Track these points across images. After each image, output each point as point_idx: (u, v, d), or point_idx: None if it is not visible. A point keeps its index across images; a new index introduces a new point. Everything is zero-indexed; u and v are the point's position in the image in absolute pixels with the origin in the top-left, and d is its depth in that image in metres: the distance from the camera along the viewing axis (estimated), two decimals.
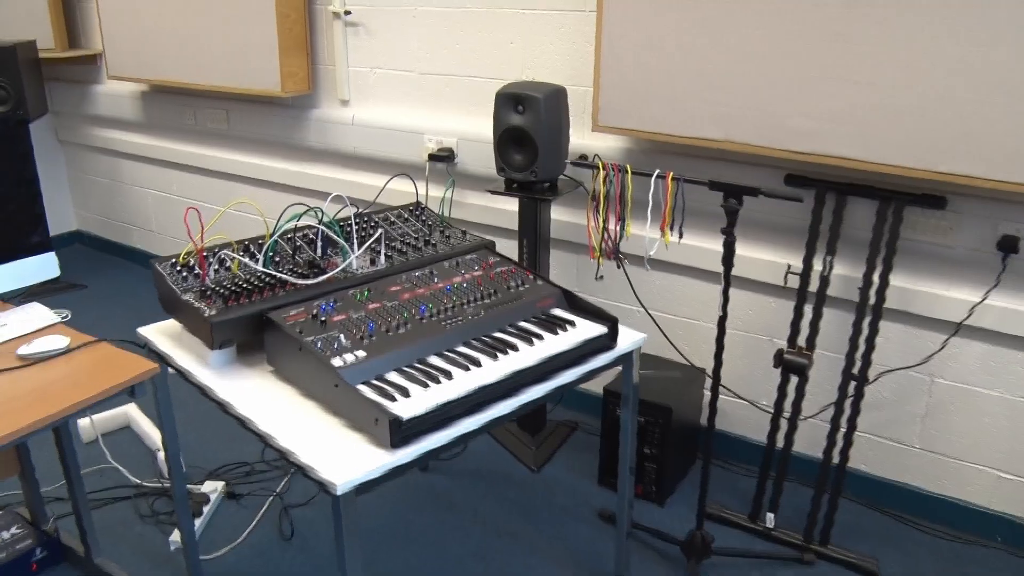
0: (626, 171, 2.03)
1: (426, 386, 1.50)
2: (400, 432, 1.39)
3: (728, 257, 1.91)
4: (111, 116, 4.40)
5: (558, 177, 2.52)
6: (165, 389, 1.88)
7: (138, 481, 2.64)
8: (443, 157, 2.99)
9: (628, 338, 1.83)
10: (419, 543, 2.40)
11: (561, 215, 2.84)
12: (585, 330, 1.75)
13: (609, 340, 1.78)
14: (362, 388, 1.49)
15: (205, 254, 1.82)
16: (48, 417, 1.57)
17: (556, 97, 2.38)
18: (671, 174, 1.98)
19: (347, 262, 1.85)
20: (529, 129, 2.37)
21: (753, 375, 2.66)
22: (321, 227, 1.90)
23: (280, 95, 3.26)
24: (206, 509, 2.48)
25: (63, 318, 1.97)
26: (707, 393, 2.76)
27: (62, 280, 4.46)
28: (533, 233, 2.58)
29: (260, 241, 1.90)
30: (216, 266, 1.80)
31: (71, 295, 4.38)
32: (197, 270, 1.77)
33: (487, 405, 1.53)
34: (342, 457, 1.39)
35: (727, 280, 1.93)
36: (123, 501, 2.57)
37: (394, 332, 1.62)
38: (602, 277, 2.71)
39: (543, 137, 2.37)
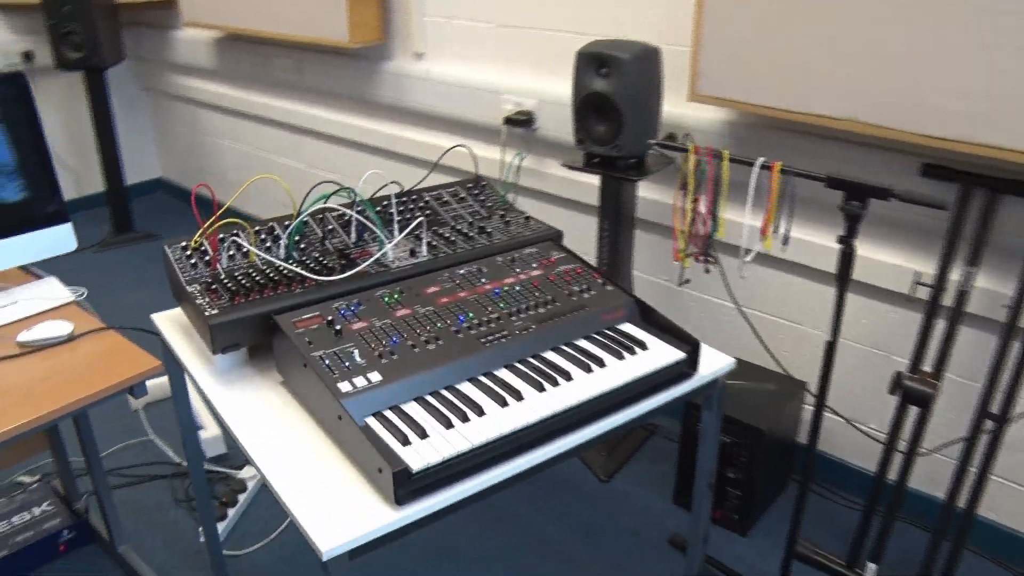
0: (722, 157, 1.66)
1: (449, 424, 1.21)
2: (407, 486, 1.12)
3: (844, 270, 1.53)
4: (188, 63, 4.26)
5: (646, 153, 2.16)
6: (181, 382, 1.67)
7: (178, 460, 2.50)
8: (521, 121, 2.66)
9: (711, 364, 1.49)
10: (460, 561, 2.15)
11: (650, 192, 2.48)
12: (659, 355, 1.42)
13: (688, 367, 1.45)
14: (372, 422, 1.22)
15: (221, 236, 1.59)
16: (30, 422, 1.38)
17: (647, 58, 2.02)
18: (778, 165, 1.60)
19: (381, 253, 1.57)
20: (613, 95, 2.02)
21: (863, 393, 2.27)
22: (352, 213, 1.63)
23: (348, 46, 2.99)
24: (242, 498, 2.31)
25: (78, 296, 1.78)
26: (807, 408, 2.38)
27: (137, 230, 4.41)
28: (614, 216, 2.25)
29: (288, 222, 1.65)
30: (232, 251, 1.56)
31: (136, 247, 4.31)
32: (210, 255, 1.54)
33: (523, 451, 1.24)
34: (338, 509, 1.13)
35: (841, 298, 1.55)
36: (160, 480, 2.43)
37: (422, 348, 1.33)
38: (688, 281, 2.34)
39: (629, 105, 2.01)
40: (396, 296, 1.46)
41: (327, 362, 1.28)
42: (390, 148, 3.34)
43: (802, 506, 1.92)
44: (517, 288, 1.52)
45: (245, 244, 1.51)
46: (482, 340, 1.37)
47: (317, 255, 1.58)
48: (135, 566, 2.00)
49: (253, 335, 1.41)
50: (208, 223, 1.53)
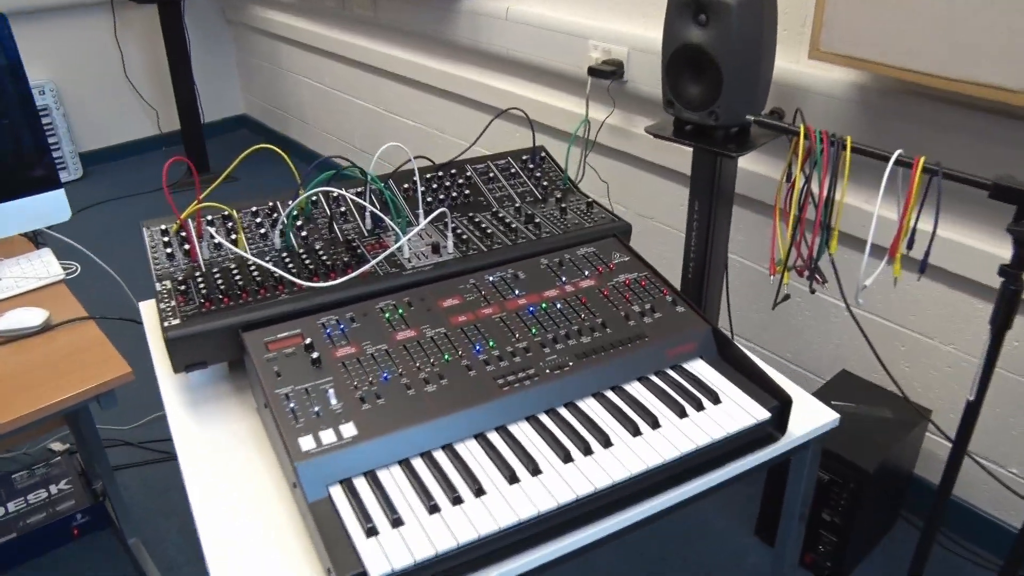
0: (843, 146, 1.25)
1: (434, 507, 0.91)
2: None
3: (1007, 310, 1.11)
4: None
5: (751, 122, 1.74)
6: None
7: None
8: (608, 73, 2.26)
9: (807, 420, 1.13)
10: None
11: (755, 164, 2.07)
12: (735, 412, 1.07)
13: (773, 429, 1.09)
14: (337, 494, 0.93)
15: (209, 219, 1.32)
16: None
17: (757, 4, 1.59)
18: (921, 161, 1.18)
19: (395, 248, 1.27)
20: (712, 49, 1.61)
21: (1007, 430, 1.83)
22: (357, 199, 1.33)
23: None
24: None
25: (68, 274, 1.56)
26: (929, 437, 1.96)
27: (215, 171, 4.26)
28: (708, 196, 1.85)
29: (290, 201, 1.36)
30: (220, 237, 1.29)
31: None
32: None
33: (530, 545, 0.93)
34: None
35: (997, 343, 1.14)
36: None
37: (418, 390, 1.03)
38: (787, 298, 1.90)
39: (732, 62, 1.60)
40: (401, 311, 1.15)
41: (292, 404, 1.00)
42: (468, 95, 3.00)
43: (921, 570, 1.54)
44: (558, 305, 1.18)
45: (218, 238, 1.22)
46: (499, 381, 1.05)
47: (320, 247, 1.29)
48: (141, 562, 1.83)
49: (221, 352, 1.14)
50: (203, 195, 1.26)
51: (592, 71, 2.28)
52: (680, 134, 1.78)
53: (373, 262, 1.23)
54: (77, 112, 4.25)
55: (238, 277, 1.19)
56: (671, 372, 1.14)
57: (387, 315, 1.14)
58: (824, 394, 1.91)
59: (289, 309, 1.15)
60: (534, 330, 1.13)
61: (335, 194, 1.39)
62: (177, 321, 1.12)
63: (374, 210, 1.31)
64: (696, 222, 1.90)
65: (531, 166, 1.56)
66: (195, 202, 1.28)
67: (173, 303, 1.16)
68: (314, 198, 1.39)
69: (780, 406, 1.07)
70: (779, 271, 1.37)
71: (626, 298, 1.21)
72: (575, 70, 2.42)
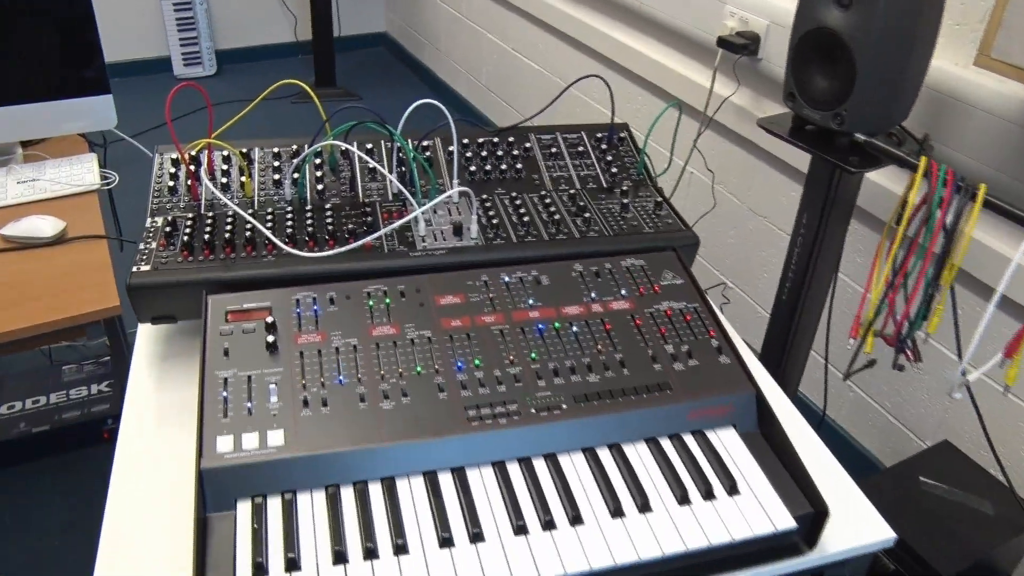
0: (972, 196, 0.96)
1: (341, 558, 0.76)
2: None
3: None
4: None
5: (884, 132, 1.45)
6: None
7: None
8: (740, 47, 1.97)
9: (850, 532, 0.90)
10: None
11: (887, 179, 1.75)
12: (753, 510, 0.85)
13: (801, 541, 0.87)
14: (242, 511, 0.79)
15: (225, 154, 1.19)
16: None
17: None
18: None
19: (404, 221, 1.10)
20: (850, 37, 1.32)
21: None
22: (394, 161, 1.16)
23: None
24: None
25: (105, 184, 1.49)
26: None
27: (340, 86, 4.21)
28: (819, 210, 1.57)
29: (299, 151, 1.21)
30: (228, 177, 1.16)
31: (329, 105, 4.10)
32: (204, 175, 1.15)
33: None
34: None
35: None
36: None
37: (370, 405, 0.87)
38: (870, 365, 1.52)
39: (872, 56, 1.31)
40: (388, 300, 0.99)
41: (226, 392, 0.86)
42: (595, 46, 2.76)
43: None
44: (575, 328, 0.98)
45: (207, 183, 1.08)
46: (470, 412, 0.87)
47: (331, 206, 1.14)
48: None
49: (189, 309, 1.02)
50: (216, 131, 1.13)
51: (722, 42, 1.99)
52: (797, 134, 1.50)
53: (376, 234, 1.07)
54: (218, 8, 4.27)
55: (228, 227, 1.06)
56: (688, 439, 0.92)
57: (371, 302, 0.98)
58: (914, 465, 1.62)
59: (269, 274, 1.01)
60: (534, 354, 0.94)
61: (350, 149, 1.23)
62: (147, 268, 1.00)
63: (380, 168, 1.13)
64: (802, 237, 1.63)
65: (605, 146, 1.34)
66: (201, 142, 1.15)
67: (154, 245, 1.04)
68: (341, 147, 1.24)
69: (813, 515, 0.85)
70: (861, 334, 1.11)
71: (661, 332, 0.99)
72: (704, 36, 2.14)
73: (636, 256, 1.11)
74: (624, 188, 1.25)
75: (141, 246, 1.04)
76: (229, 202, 1.09)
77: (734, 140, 2.21)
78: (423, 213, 1.10)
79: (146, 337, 1.11)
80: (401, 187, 1.09)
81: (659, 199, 1.24)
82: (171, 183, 1.15)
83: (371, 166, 1.21)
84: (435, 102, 1.12)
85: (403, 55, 4.61)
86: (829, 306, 1.71)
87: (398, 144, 1.18)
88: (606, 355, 0.95)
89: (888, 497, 1.50)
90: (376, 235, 1.06)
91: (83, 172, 1.48)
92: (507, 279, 1.04)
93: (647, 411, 0.91)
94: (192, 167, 1.15)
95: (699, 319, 1.02)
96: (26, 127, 1.41)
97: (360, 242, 1.05)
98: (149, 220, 1.09)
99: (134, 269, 1.00)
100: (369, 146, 1.25)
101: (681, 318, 1.02)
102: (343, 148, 1.22)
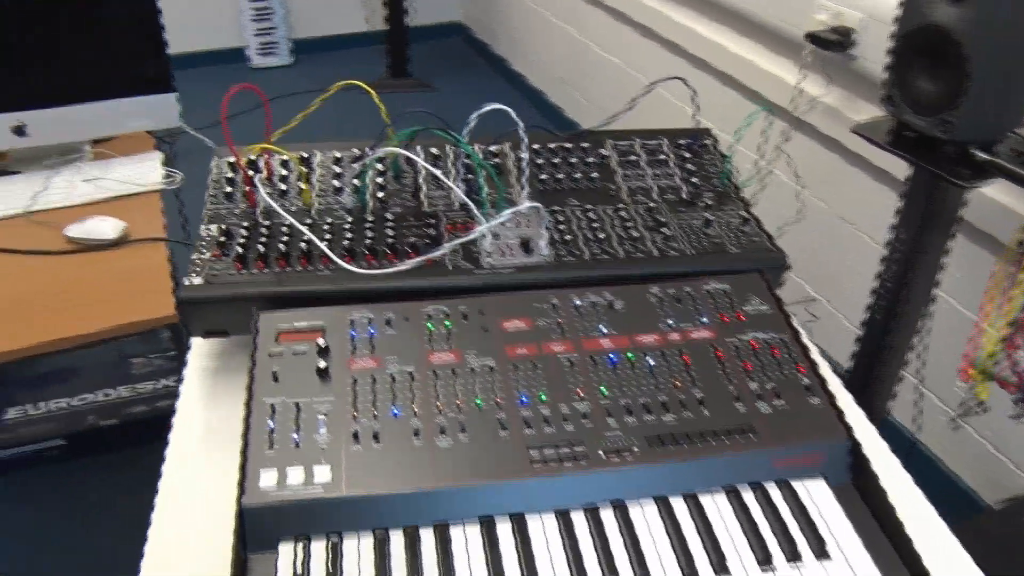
0: None
1: None
2: None
3: None
4: None
5: (999, 143, 1.31)
6: None
7: None
8: (832, 43, 1.84)
9: None
10: None
11: (1002, 192, 1.60)
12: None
13: None
14: (284, 555, 0.74)
15: (284, 159, 1.14)
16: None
17: None
18: None
19: (471, 236, 1.03)
20: (964, 36, 1.19)
21: None
22: (459, 169, 1.09)
23: None
24: None
25: (167, 184, 1.46)
26: None
27: (413, 76, 4.17)
28: (918, 225, 1.44)
29: (361, 154, 1.15)
30: (287, 183, 1.12)
31: (403, 97, 4.07)
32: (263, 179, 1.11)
33: None
34: None
35: None
36: None
37: (425, 441, 0.80)
38: (982, 408, 1.39)
39: (990, 57, 1.18)
40: (449, 323, 0.92)
41: (273, 422, 0.81)
42: (673, 39, 2.64)
43: None
44: (650, 360, 0.90)
45: (261, 192, 1.03)
46: (534, 453, 0.80)
47: (393, 216, 1.08)
48: None
49: (242, 324, 0.97)
50: (273, 132, 1.09)
51: (813, 38, 1.86)
52: (897, 142, 1.38)
53: (437, 251, 1.00)
54: None
55: (284, 238, 1.01)
56: (773, 490, 0.83)
57: (431, 325, 0.92)
58: (1011, 516, 1.48)
59: (325, 290, 0.96)
60: (604, 389, 0.86)
61: (413, 158, 1.16)
62: (199, 280, 0.96)
63: (445, 180, 1.06)
64: (897, 252, 1.50)
65: (686, 153, 1.25)
66: (265, 142, 1.10)
67: (207, 255, 1.00)
68: (398, 154, 1.17)
69: None
70: (973, 378, 0.99)
71: (745, 367, 0.90)
72: (793, 31, 2.01)
73: (719, 278, 1.02)
74: (707, 201, 1.16)
75: (194, 256, 1.00)
76: (285, 212, 1.04)
77: (823, 142, 2.07)
78: (488, 228, 1.02)
79: (200, 348, 1.08)
80: (466, 199, 1.02)
81: (744, 213, 1.14)
82: (228, 188, 1.10)
83: (436, 173, 1.14)
84: (504, 107, 1.05)
85: (478, 45, 4.55)
86: (924, 327, 1.57)
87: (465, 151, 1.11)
88: (684, 392, 0.87)
89: (994, 544, 1.37)
90: (438, 252, 1.00)
91: (147, 171, 1.46)
92: (578, 302, 0.96)
93: (728, 458, 0.82)
94: (250, 171, 1.10)
95: (787, 353, 0.92)
96: (88, 126, 1.40)
97: (421, 259, 0.99)
98: (204, 228, 1.05)
99: (185, 282, 0.96)
100: (435, 151, 1.18)
101: (767, 351, 0.92)
102: (399, 154, 1.16)
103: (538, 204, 1.04)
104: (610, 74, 3.20)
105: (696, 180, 1.20)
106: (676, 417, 0.84)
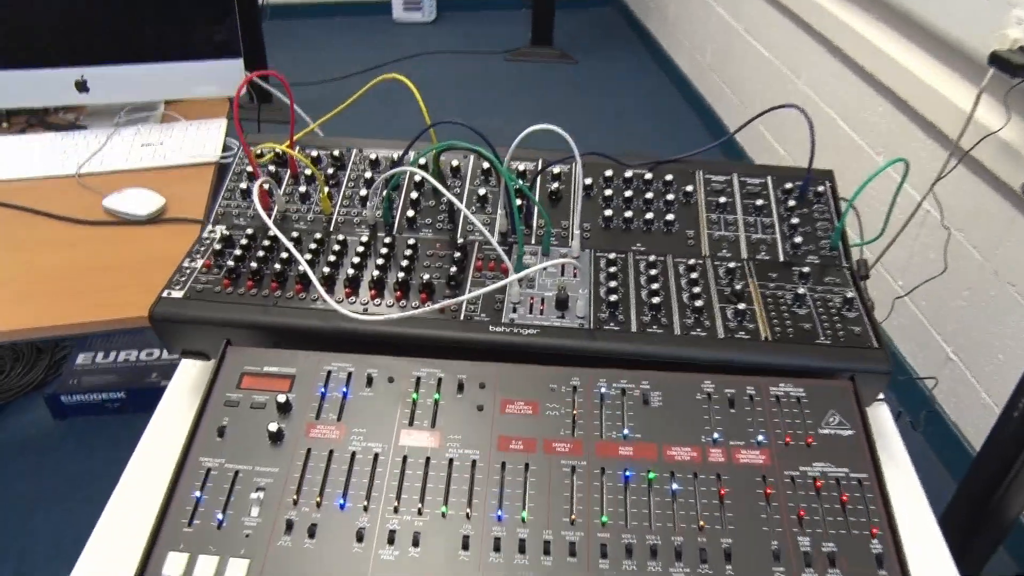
0: None
1: None
2: None
3: None
4: None
5: None
6: None
7: None
8: (1020, 68, 1.51)
9: None
10: None
11: None
12: None
13: None
14: None
15: (315, 155, 1.01)
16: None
17: None
18: None
19: (491, 289, 0.86)
20: None
21: None
22: (501, 197, 0.92)
23: None
24: None
25: (223, 157, 1.37)
26: None
27: (556, 47, 3.97)
28: None
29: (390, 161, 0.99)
30: (313, 184, 0.98)
31: (542, 66, 3.87)
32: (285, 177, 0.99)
33: None
34: None
35: None
36: None
37: (365, 550, 0.65)
38: None
39: None
40: (438, 395, 0.76)
41: (201, 493, 0.68)
42: (835, 40, 2.32)
43: None
44: (675, 486, 0.71)
45: (259, 208, 0.88)
46: None
47: (417, 241, 0.92)
48: None
49: (218, 349, 0.85)
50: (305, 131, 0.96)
51: (996, 58, 1.54)
52: None
53: (450, 301, 0.83)
54: None
55: (284, 255, 0.88)
56: None
57: (416, 394, 0.76)
58: None
59: (312, 326, 0.82)
60: (606, 517, 0.68)
61: (437, 185, 1.00)
62: (178, 294, 0.85)
63: (469, 215, 0.89)
64: None
65: (794, 201, 1.02)
66: (288, 142, 0.96)
67: (199, 263, 0.88)
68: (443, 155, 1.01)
69: None
70: None
71: (799, 515, 0.69)
72: (974, 47, 1.68)
73: (794, 382, 0.80)
74: (807, 267, 0.93)
75: (185, 261, 0.88)
76: (279, 231, 0.90)
77: (991, 183, 1.74)
78: (516, 279, 0.85)
79: (183, 372, 0.97)
80: (492, 240, 0.84)
81: (851, 292, 0.90)
82: (245, 185, 0.98)
83: (481, 193, 0.98)
84: (558, 130, 0.86)
85: (630, 19, 4.29)
86: None
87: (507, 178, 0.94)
88: (709, 538, 0.67)
89: None
90: (449, 302, 0.83)
91: (207, 141, 1.37)
92: (604, 390, 0.78)
93: None
94: (272, 168, 0.98)
95: (862, 502, 0.71)
96: (149, 88, 1.32)
97: (427, 307, 0.83)
98: (208, 228, 0.93)
99: (164, 294, 0.84)
100: (487, 165, 1.01)
101: (835, 496, 0.71)
102: (443, 163, 0.99)
103: (576, 262, 0.85)
104: (760, 68, 2.89)
105: (799, 238, 0.97)
106: (689, 572, 0.65)
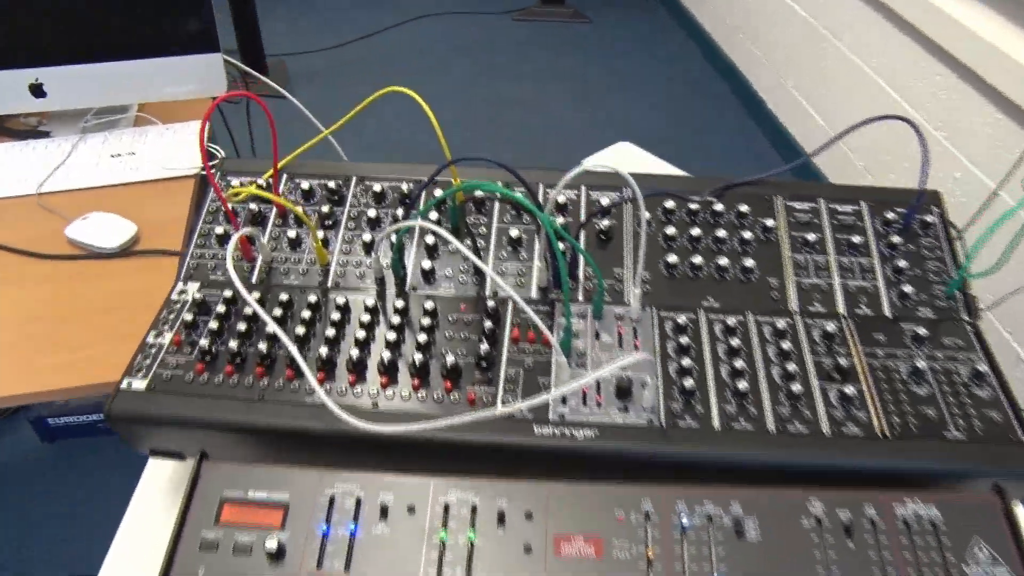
0: None
1: None
2: None
3: None
4: None
5: None
6: None
7: None
8: None
9: None
10: None
11: None
12: None
13: None
14: None
15: (307, 188, 0.82)
16: None
17: None
18: None
19: (543, 399, 0.67)
20: None
21: None
22: (543, 249, 0.74)
23: None
24: None
25: (212, 164, 1.17)
26: None
27: (569, 5, 3.72)
28: None
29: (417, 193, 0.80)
30: (297, 228, 0.80)
31: (550, 27, 3.61)
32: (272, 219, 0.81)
33: None
34: None
35: None
36: None
37: None
38: None
39: None
40: (471, 534, 0.59)
41: None
42: (936, 38, 1.90)
43: None
44: None
45: (231, 270, 0.69)
46: None
47: (433, 299, 0.74)
48: None
49: (198, 448, 0.68)
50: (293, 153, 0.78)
51: None
52: None
53: (488, 412, 0.65)
54: None
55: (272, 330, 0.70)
56: None
57: (444, 531, 0.58)
58: None
59: (307, 428, 0.64)
60: None
61: (436, 229, 0.81)
62: (140, 385, 0.67)
63: (486, 268, 0.70)
64: None
65: (898, 236, 0.82)
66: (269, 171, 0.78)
67: (167, 337, 0.70)
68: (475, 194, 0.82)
69: None
70: None
71: None
72: None
73: (923, 494, 0.62)
74: (920, 329, 0.74)
75: (150, 336, 0.70)
76: (258, 307, 0.72)
77: None
78: (571, 389, 0.67)
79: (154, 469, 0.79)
80: (527, 309, 0.66)
81: (983, 365, 0.72)
82: (222, 229, 0.80)
83: (514, 235, 0.79)
84: (621, 171, 0.67)
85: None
86: None
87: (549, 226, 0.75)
88: None
89: None
90: (489, 412, 0.65)
91: (184, 148, 1.18)
92: (686, 520, 0.60)
93: None
94: (252, 207, 0.79)
95: None
96: (114, 90, 1.12)
97: (456, 420, 0.65)
98: (178, 288, 0.75)
99: (123, 384, 0.67)
100: (516, 214, 0.82)
101: None
102: (455, 209, 0.81)
103: (651, 356, 0.67)
104: (796, 29, 2.65)
105: (907, 286, 0.78)
106: None
